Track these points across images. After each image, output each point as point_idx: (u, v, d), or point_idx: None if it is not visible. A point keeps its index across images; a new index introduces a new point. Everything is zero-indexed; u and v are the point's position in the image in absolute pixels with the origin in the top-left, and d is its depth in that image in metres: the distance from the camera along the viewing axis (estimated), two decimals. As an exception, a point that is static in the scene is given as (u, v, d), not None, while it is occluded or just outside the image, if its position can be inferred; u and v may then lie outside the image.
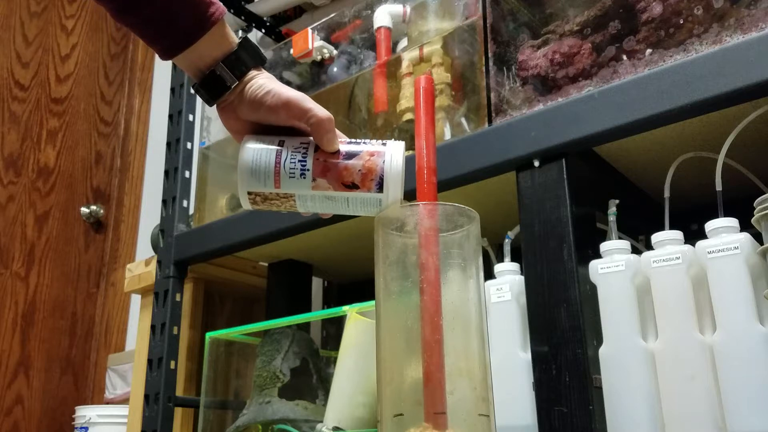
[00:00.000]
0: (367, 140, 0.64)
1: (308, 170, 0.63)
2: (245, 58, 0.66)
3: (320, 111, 0.63)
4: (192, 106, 1.40)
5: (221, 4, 0.66)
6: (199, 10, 0.64)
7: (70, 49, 2.37)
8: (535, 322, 0.84)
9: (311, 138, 0.64)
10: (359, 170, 0.62)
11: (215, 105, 0.67)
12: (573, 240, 0.83)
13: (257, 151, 0.64)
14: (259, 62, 0.68)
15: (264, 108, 0.64)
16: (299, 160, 0.63)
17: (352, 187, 0.62)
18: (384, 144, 0.63)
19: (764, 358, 0.71)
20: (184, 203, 1.34)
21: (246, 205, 0.66)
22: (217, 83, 0.66)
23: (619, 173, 0.98)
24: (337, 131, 0.65)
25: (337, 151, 0.63)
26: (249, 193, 0.64)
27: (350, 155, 0.63)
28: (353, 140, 0.65)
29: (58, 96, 2.30)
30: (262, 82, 0.65)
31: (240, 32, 1.60)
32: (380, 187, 0.62)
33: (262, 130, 0.66)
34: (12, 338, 2.04)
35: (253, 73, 0.66)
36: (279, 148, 0.64)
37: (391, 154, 0.62)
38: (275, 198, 0.65)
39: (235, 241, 1.21)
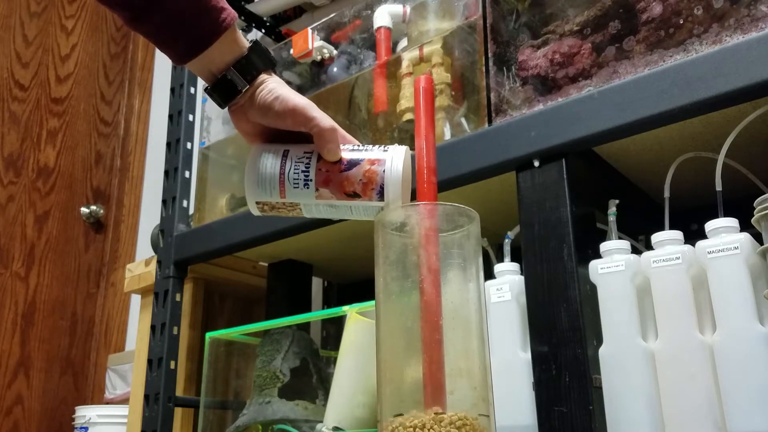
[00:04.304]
0: (370, 147, 0.65)
1: (311, 180, 0.64)
2: (256, 62, 0.67)
3: (323, 121, 0.64)
4: (192, 106, 1.40)
5: (232, 9, 0.67)
6: (211, 16, 0.65)
7: (70, 49, 2.37)
8: (535, 322, 0.84)
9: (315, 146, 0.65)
10: (360, 180, 0.63)
11: (227, 108, 0.68)
12: (573, 240, 0.83)
13: (262, 161, 0.65)
14: (270, 66, 0.68)
15: (272, 113, 0.65)
16: (302, 171, 0.64)
17: (354, 196, 0.64)
18: (386, 150, 0.64)
19: (764, 358, 0.71)
20: (184, 203, 1.34)
21: (255, 212, 0.68)
22: (229, 87, 0.67)
23: (619, 173, 0.98)
24: (345, 134, 0.66)
25: (340, 160, 0.64)
26: (257, 203, 0.66)
27: (351, 164, 0.64)
28: (356, 147, 0.66)
29: (58, 96, 2.30)
30: (272, 86, 0.66)
31: (240, 32, 1.60)
32: (381, 195, 0.63)
33: (273, 132, 0.68)
34: (12, 338, 2.04)
35: (263, 77, 0.67)
36: (283, 158, 0.65)
37: (392, 161, 0.63)
38: (282, 206, 0.66)
39: (235, 241, 1.21)
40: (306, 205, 0.66)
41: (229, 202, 1.34)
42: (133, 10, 0.64)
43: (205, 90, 0.69)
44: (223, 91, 0.67)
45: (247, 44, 0.68)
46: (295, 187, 0.64)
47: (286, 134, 0.67)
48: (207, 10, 0.65)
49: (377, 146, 0.65)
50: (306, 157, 0.65)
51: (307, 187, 0.64)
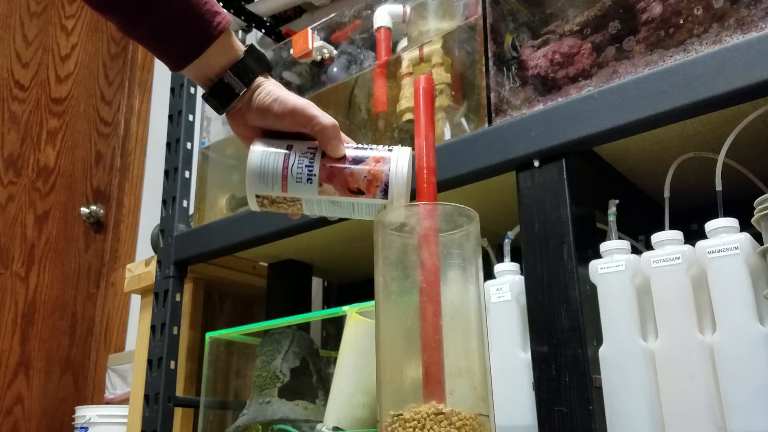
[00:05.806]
0: (374, 146, 0.65)
1: (315, 175, 0.64)
2: (252, 65, 0.68)
3: (324, 119, 0.64)
4: (192, 106, 1.40)
5: (227, 13, 0.67)
6: (206, 21, 0.65)
7: (70, 49, 2.37)
8: (535, 322, 0.84)
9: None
10: (365, 177, 0.63)
11: (225, 112, 0.68)
12: (573, 240, 0.83)
13: (266, 155, 0.65)
14: (266, 68, 0.69)
15: (271, 115, 0.66)
16: (306, 166, 0.64)
17: (358, 193, 0.63)
18: (390, 150, 0.64)
19: (764, 358, 0.71)
20: (184, 203, 1.34)
21: (254, 207, 0.67)
22: (226, 91, 0.67)
23: (619, 173, 0.98)
24: (344, 136, 0.66)
25: (344, 157, 0.64)
26: (257, 196, 0.66)
27: (356, 161, 0.64)
28: (360, 145, 0.66)
29: (58, 96, 2.30)
30: (270, 89, 0.67)
31: (240, 32, 1.60)
32: (385, 194, 0.63)
33: (272, 136, 0.67)
34: (12, 338, 2.04)
35: (260, 80, 0.67)
36: (287, 152, 0.65)
37: (397, 160, 0.63)
38: (282, 201, 0.66)
39: (235, 241, 1.21)
40: (307, 201, 0.65)
41: (230, 202, 1.34)
42: (127, 16, 0.64)
43: (203, 96, 0.69)
44: (221, 95, 0.67)
45: (243, 48, 0.68)
46: (298, 182, 0.64)
47: (284, 137, 0.67)
48: (201, 15, 0.65)
49: (380, 146, 0.65)
50: (310, 152, 0.65)
51: (311, 182, 0.64)
